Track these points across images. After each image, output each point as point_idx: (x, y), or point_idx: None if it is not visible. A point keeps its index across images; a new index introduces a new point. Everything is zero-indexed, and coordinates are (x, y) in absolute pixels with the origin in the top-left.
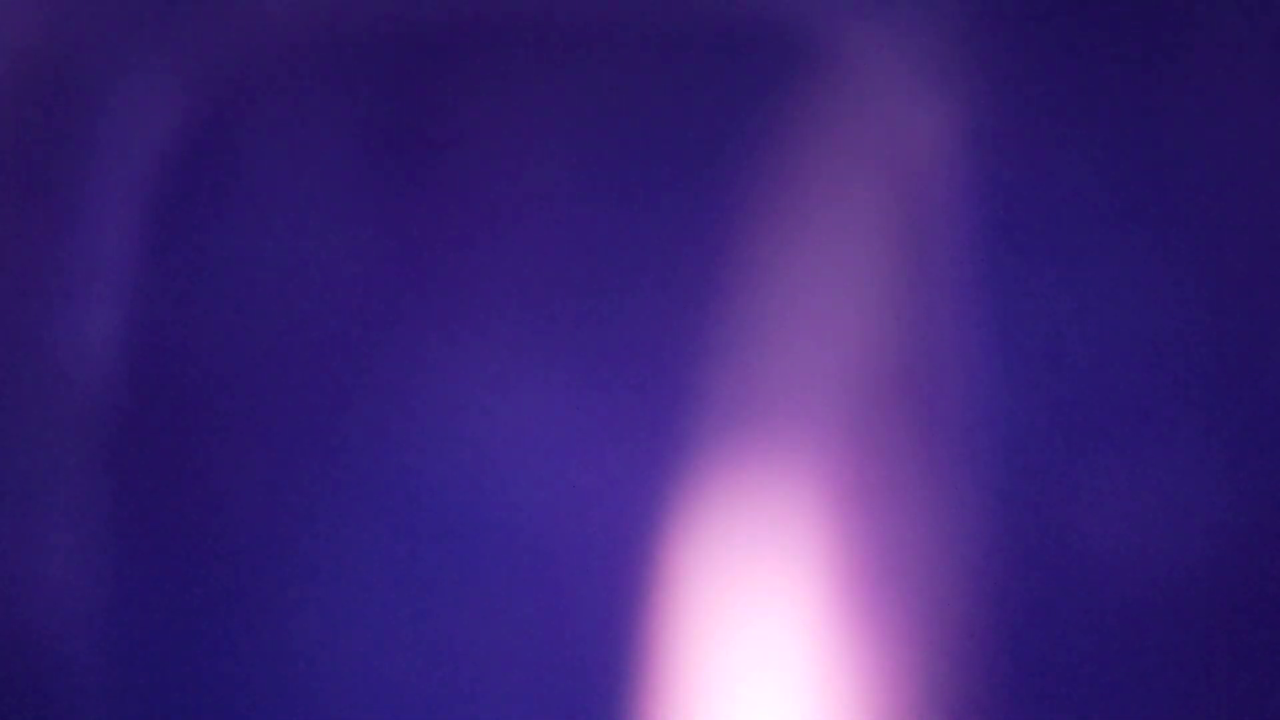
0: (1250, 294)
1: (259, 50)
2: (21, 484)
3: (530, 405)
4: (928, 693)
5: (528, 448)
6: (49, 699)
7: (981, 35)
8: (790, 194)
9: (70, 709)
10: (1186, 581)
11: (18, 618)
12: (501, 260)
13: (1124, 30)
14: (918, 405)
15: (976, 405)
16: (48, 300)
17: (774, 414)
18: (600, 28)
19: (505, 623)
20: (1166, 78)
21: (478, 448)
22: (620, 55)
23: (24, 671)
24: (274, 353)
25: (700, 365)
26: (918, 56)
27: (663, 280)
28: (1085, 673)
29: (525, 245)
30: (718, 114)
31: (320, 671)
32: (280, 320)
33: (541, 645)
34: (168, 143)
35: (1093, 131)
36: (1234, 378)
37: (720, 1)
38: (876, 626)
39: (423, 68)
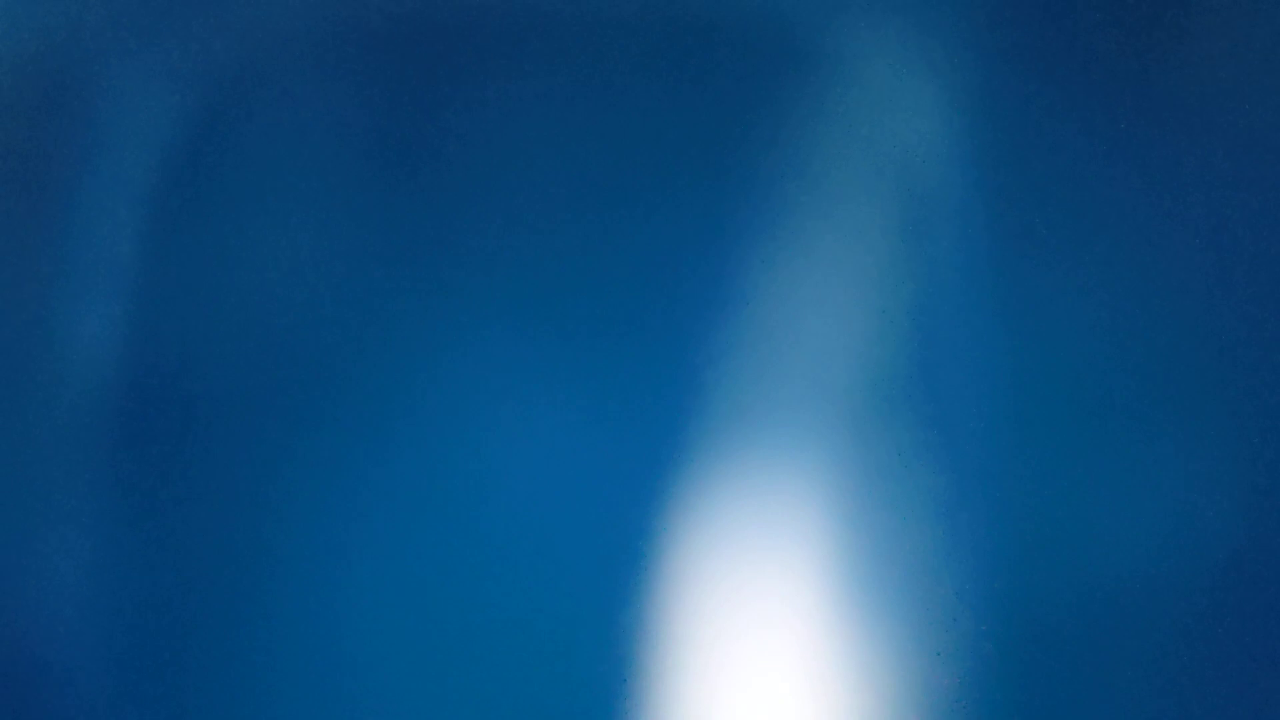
0: (1254, 293)
1: (259, 50)
2: (21, 484)
3: (530, 404)
4: (926, 694)
5: (527, 447)
6: (49, 699)
7: (981, 35)
8: (790, 194)
9: (71, 709)
10: (1190, 583)
11: (18, 617)
12: (501, 260)
13: (1125, 29)
14: (919, 405)
15: (978, 405)
16: (48, 300)
17: (775, 413)
18: (600, 27)
19: (505, 623)
20: (1168, 77)
21: (477, 448)
22: (620, 55)
23: (24, 672)
24: (273, 353)
25: (701, 364)
26: (917, 56)
27: (663, 280)
28: (1087, 674)
29: (525, 245)
30: (717, 114)
31: (321, 671)
32: (279, 320)
33: (541, 645)
34: (168, 142)
35: (1094, 131)
36: (1240, 375)
37: (720, 1)
38: (876, 628)
39: (423, 67)
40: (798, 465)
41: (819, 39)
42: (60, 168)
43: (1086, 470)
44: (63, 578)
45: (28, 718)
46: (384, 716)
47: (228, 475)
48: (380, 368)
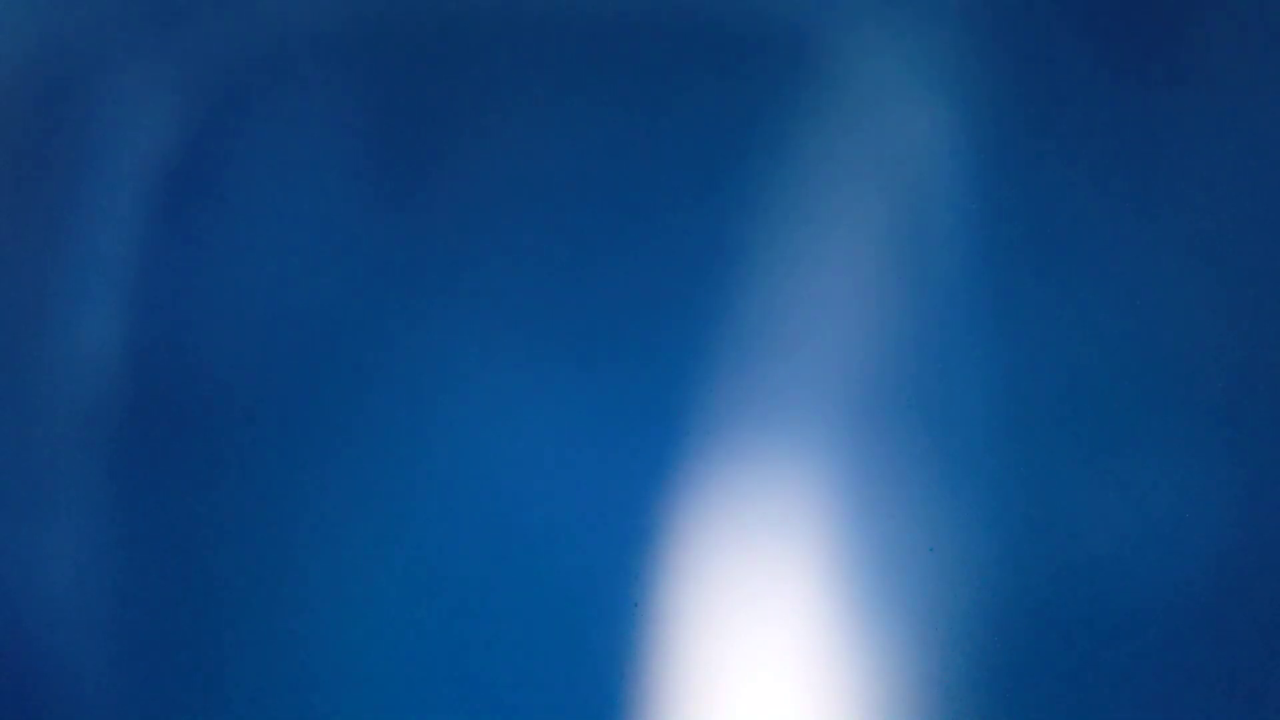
0: (1252, 294)
1: (259, 50)
2: (21, 484)
3: (530, 404)
4: (928, 694)
5: (528, 447)
6: (49, 700)
7: (982, 35)
8: (790, 194)
9: (71, 710)
10: (1188, 584)
11: (18, 618)
12: (502, 261)
13: (1125, 30)
14: (918, 405)
15: (977, 406)
16: (48, 300)
17: (774, 413)
18: (601, 28)
19: (505, 622)
20: (1168, 78)
21: (478, 447)
22: (620, 56)
23: (24, 672)
24: (273, 352)
25: (701, 365)
26: (918, 57)
27: (664, 279)
28: (1085, 675)
29: (526, 245)
30: (717, 114)
31: (320, 670)
32: (279, 319)
33: (539, 644)
34: (168, 143)
35: (1094, 132)
36: (1236, 378)
37: (721, 2)
38: (875, 627)
39: (423, 67)
40: (797, 465)
41: (819, 39)
42: (60, 168)
43: (1085, 470)
44: (63, 577)
45: (28, 717)
46: (387, 713)
47: (229, 475)
48: (380, 366)
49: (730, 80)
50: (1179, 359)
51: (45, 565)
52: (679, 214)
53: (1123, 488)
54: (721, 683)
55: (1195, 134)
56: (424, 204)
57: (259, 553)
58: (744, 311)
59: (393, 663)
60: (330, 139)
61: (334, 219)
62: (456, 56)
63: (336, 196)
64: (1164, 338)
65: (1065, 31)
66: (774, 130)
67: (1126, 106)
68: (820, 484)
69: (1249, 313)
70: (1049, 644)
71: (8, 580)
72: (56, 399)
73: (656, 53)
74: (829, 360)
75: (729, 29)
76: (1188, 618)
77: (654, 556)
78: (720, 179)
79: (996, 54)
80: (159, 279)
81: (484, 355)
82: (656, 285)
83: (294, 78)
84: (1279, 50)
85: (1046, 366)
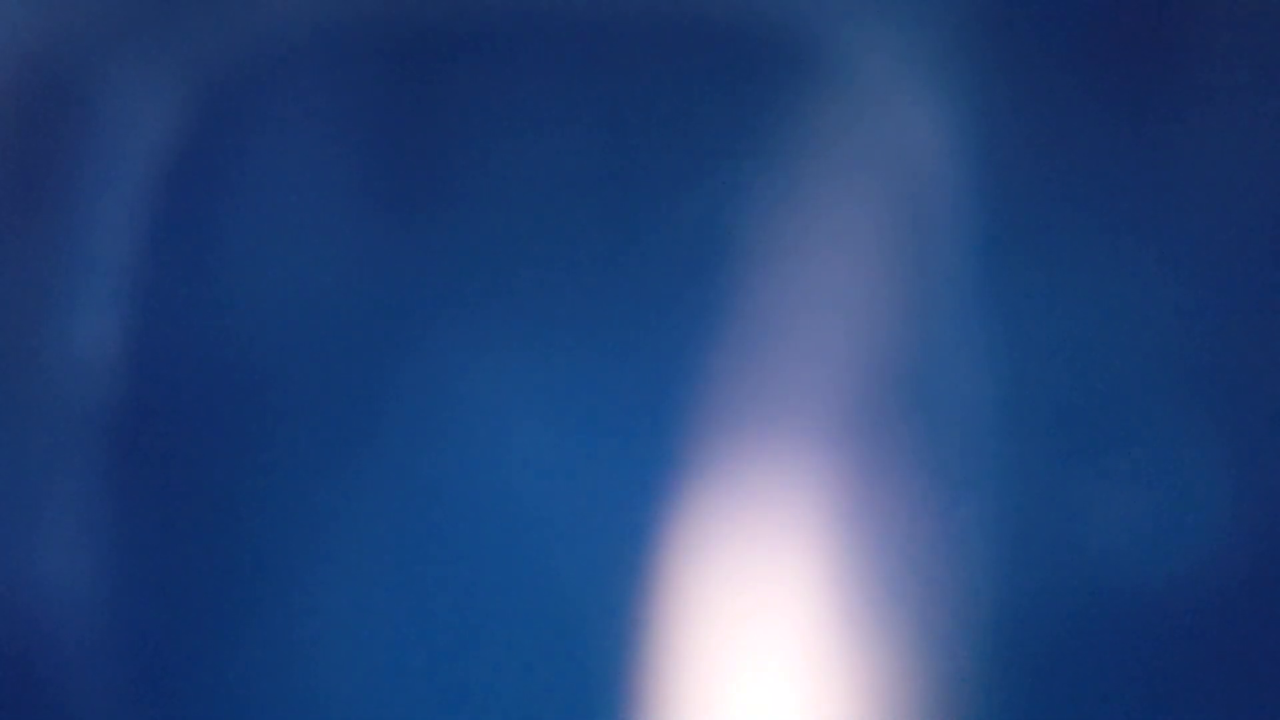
0: (1251, 294)
1: (259, 50)
2: (22, 484)
3: (531, 404)
4: (927, 693)
5: (528, 446)
6: (50, 700)
7: (982, 35)
8: (790, 194)
9: (71, 710)
10: (1188, 583)
11: (18, 618)
12: (502, 260)
13: (1125, 30)
14: (918, 405)
15: (977, 405)
16: (48, 300)
17: (774, 412)
18: (600, 27)
19: (505, 620)
20: (1167, 78)
21: (478, 445)
22: (620, 54)
23: (24, 672)
24: (273, 350)
25: (701, 364)
26: (918, 56)
27: (664, 279)
28: (1086, 674)
29: (525, 244)
30: (717, 114)
31: (320, 669)
32: (279, 318)
33: (540, 643)
34: (168, 143)
35: (1094, 131)
36: (1235, 378)
37: (720, 2)
38: (876, 626)
39: (423, 67)
40: (798, 463)
41: (819, 39)
42: (60, 168)
43: (1085, 468)
44: (63, 577)
45: (28, 716)
46: (387, 712)
47: (228, 476)
48: (378, 366)
49: (730, 79)
50: (1179, 357)
51: (45, 565)
52: (679, 212)
53: (1123, 486)
54: (721, 681)
55: (1194, 133)
56: (423, 203)
57: (258, 553)
58: (744, 310)
59: (392, 661)
60: (332, 138)
61: (335, 219)
62: (458, 56)
63: (337, 196)
64: (1163, 335)
65: (1065, 31)
66: (774, 129)
67: (1125, 105)
68: (820, 482)
69: (1249, 311)
70: (1048, 641)
71: (8, 580)
72: (56, 399)
73: (656, 52)
74: (829, 358)
75: (728, 28)
76: (1187, 616)
77: (655, 554)
78: (720, 178)
79: (996, 54)
80: (160, 279)
81: (482, 353)
82: (658, 284)
83: (296, 76)
84: (1277, 49)
85: (1046, 364)
